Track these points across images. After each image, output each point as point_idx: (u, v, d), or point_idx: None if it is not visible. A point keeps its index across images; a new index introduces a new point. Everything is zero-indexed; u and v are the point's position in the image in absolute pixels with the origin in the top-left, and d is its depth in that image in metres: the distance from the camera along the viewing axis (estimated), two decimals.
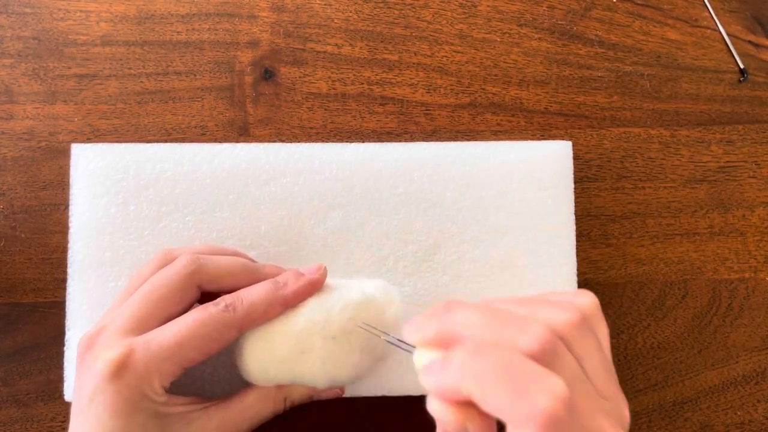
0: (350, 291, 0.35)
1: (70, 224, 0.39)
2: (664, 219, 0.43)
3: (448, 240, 0.39)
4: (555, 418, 0.22)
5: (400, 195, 0.39)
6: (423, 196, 0.39)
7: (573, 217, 0.40)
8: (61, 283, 0.41)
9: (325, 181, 0.39)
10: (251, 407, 0.34)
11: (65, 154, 0.42)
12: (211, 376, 0.38)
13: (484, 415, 0.25)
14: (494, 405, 0.23)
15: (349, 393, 0.38)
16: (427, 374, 0.26)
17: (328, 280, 0.36)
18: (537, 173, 0.40)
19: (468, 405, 0.24)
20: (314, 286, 0.34)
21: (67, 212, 0.41)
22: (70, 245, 0.38)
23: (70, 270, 0.38)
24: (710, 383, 0.42)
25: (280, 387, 0.35)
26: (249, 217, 0.39)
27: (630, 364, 0.42)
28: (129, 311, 0.32)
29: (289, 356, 0.33)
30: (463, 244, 0.39)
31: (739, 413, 0.42)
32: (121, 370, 0.30)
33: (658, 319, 0.42)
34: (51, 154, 0.42)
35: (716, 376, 0.42)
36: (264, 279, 0.34)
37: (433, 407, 0.26)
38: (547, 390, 0.22)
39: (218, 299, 0.33)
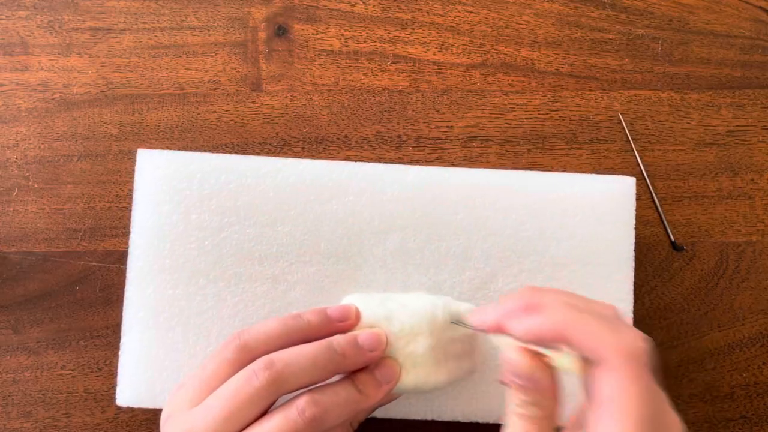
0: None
1: (132, 229, 0.38)
2: (673, 181, 0.43)
3: (506, 269, 0.39)
4: (641, 357, 0.26)
5: (460, 221, 0.39)
6: (483, 223, 0.39)
7: (633, 254, 0.39)
8: (73, 233, 0.42)
9: (387, 202, 0.39)
10: None
11: (79, 106, 0.42)
12: None
13: (547, 367, 0.29)
14: (587, 339, 0.27)
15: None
16: (516, 319, 0.29)
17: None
18: (599, 208, 0.39)
19: (538, 355, 0.29)
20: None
21: (80, 164, 0.42)
22: (130, 250, 0.38)
23: (129, 275, 0.38)
24: (716, 345, 0.42)
25: None
26: (309, 233, 0.39)
27: (636, 325, 0.42)
28: (211, 419, 0.31)
29: None
30: (522, 274, 0.39)
31: (744, 375, 0.42)
32: None
33: (665, 281, 0.42)
34: (65, 106, 0.42)
35: (722, 338, 0.42)
36: (345, 370, 0.33)
37: (511, 354, 0.29)
38: (638, 334, 0.27)
39: (299, 403, 0.32)
